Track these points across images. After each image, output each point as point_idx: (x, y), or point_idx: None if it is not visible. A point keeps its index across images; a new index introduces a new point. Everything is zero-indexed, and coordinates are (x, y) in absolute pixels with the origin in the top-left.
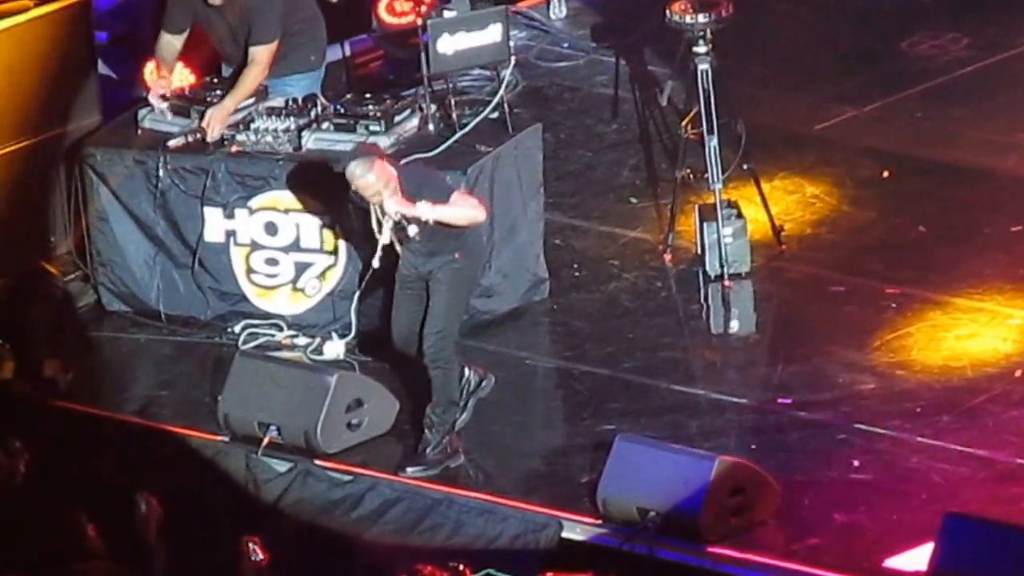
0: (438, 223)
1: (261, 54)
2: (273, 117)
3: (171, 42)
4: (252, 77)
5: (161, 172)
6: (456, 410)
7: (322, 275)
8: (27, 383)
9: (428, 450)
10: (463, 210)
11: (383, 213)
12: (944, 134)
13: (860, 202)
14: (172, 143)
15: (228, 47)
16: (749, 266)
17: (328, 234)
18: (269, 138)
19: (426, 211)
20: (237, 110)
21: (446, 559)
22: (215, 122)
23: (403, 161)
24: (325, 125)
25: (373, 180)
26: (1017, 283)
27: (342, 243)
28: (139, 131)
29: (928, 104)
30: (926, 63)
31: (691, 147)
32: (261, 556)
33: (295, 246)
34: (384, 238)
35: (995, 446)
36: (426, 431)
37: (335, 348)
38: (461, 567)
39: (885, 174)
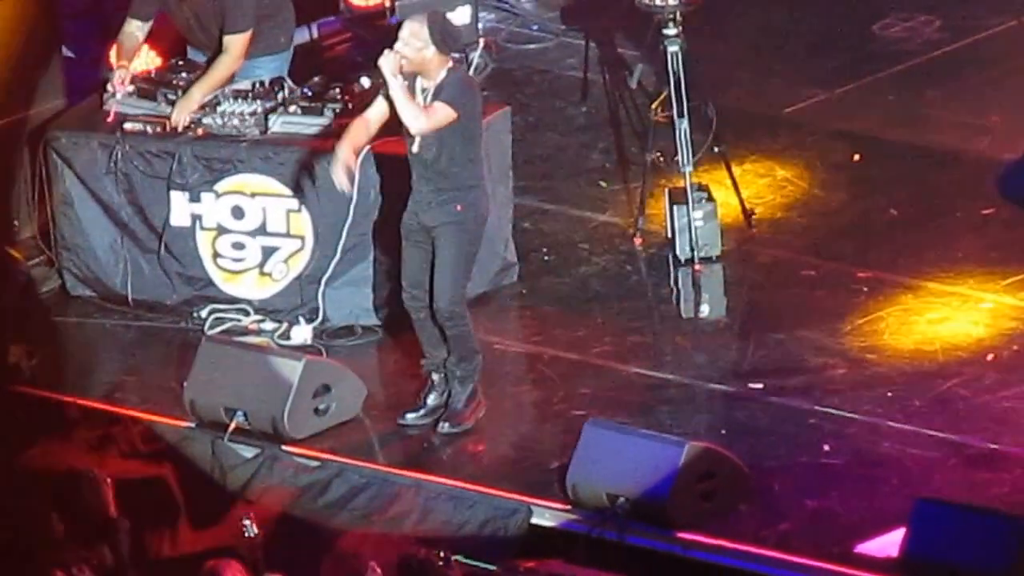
0: (445, 155)
1: (236, 43)
2: (240, 100)
3: (135, 32)
4: (225, 66)
5: (120, 155)
6: (478, 360)
7: (289, 259)
8: None
9: (460, 404)
10: (408, 107)
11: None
12: (916, 117)
13: (831, 185)
14: (128, 126)
15: (194, 35)
16: (719, 250)
17: (295, 218)
18: (236, 121)
19: (404, 97)
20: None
21: (415, 545)
22: (181, 112)
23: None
24: (292, 108)
25: (419, 36)
26: (989, 267)
27: (309, 227)
28: (104, 114)
29: (900, 87)
30: (897, 45)
31: (661, 130)
32: (256, 531)
33: (262, 230)
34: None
35: (966, 431)
36: (454, 384)
37: (302, 333)
38: (450, 557)
39: (856, 157)
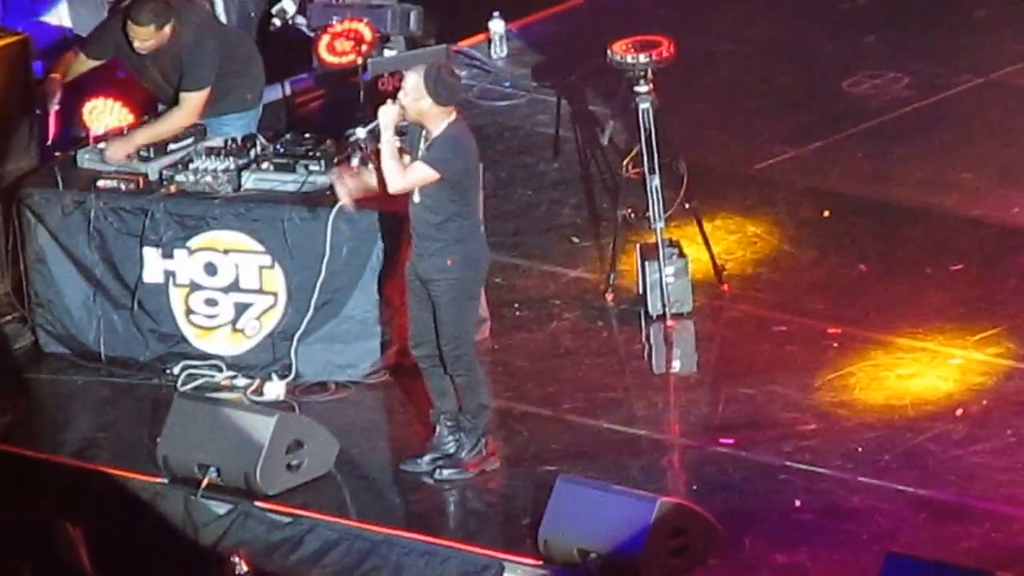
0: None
1: (190, 100)
2: (212, 157)
3: (81, 62)
4: (174, 119)
5: (93, 212)
6: (487, 413)
7: (262, 316)
8: None
9: (463, 452)
10: (390, 166)
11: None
12: (885, 173)
13: (801, 241)
14: (101, 183)
15: (163, 92)
16: (691, 306)
17: (268, 275)
18: (208, 178)
19: (391, 154)
20: (175, 150)
21: None
22: (117, 152)
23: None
24: (265, 165)
25: (414, 87)
26: (958, 322)
27: (282, 283)
28: (77, 171)
29: (869, 144)
30: (866, 103)
31: (632, 186)
32: (246, 569)
33: (234, 287)
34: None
35: (936, 486)
36: (461, 435)
37: (275, 389)
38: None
39: (826, 213)
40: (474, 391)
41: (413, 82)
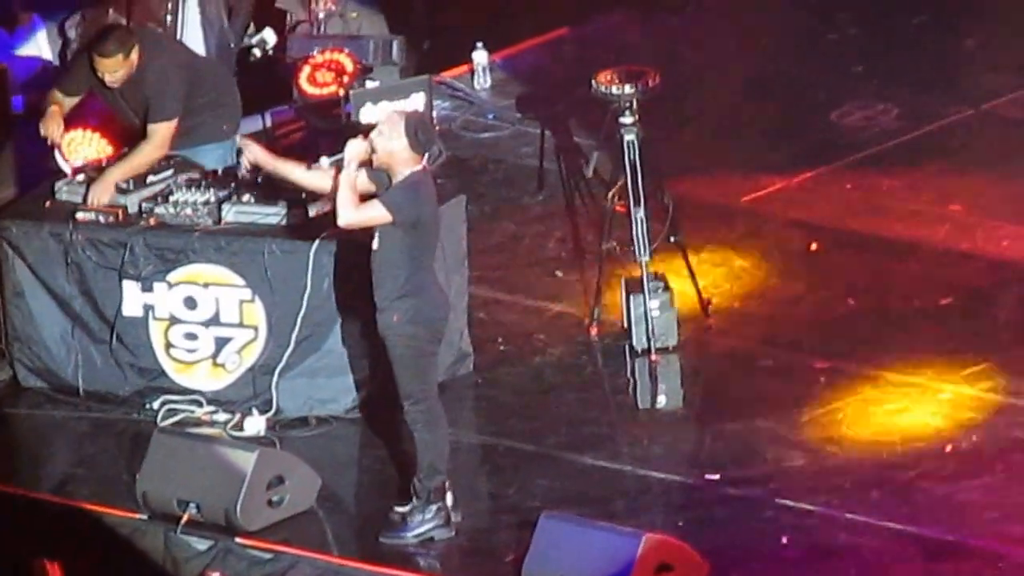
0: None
1: (158, 131)
2: (192, 189)
3: (62, 101)
4: (144, 153)
5: (72, 245)
6: (440, 477)
7: (242, 350)
8: None
9: (408, 517)
10: (345, 200)
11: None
12: (874, 206)
13: (788, 275)
14: (79, 215)
15: (136, 125)
16: (676, 340)
17: (248, 308)
18: (188, 210)
19: (348, 186)
20: (154, 182)
21: None
22: (101, 195)
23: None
24: (246, 197)
25: (394, 129)
26: (948, 357)
27: (262, 318)
28: (55, 204)
29: (858, 175)
30: (856, 134)
31: (617, 219)
32: None
33: (215, 320)
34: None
35: (926, 523)
36: (412, 497)
37: (256, 424)
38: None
39: (813, 246)
40: (428, 451)
41: (392, 120)
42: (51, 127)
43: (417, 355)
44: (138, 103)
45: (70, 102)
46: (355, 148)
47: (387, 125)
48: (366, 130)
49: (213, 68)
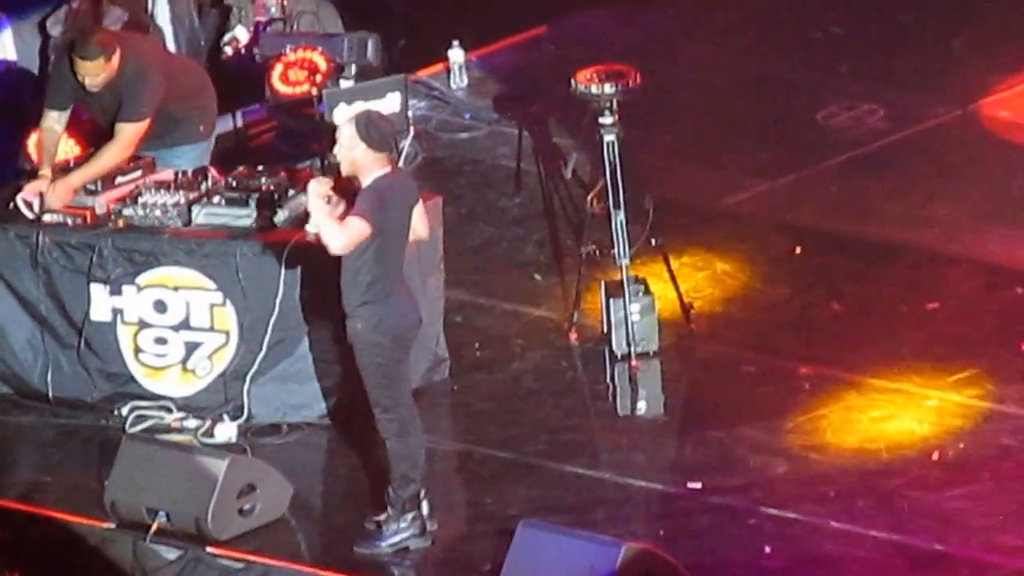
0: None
1: (126, 132)
2: (162, 191)
3: (53, 126)
4: (110, 154)
5: (39, 248)
6: (414, 487)
7: (213, 355)
8: None
9: (383, 527)
10: (327, 228)
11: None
12: (859, 208)
13: (772, 279)
14: (46, 218)
15: (107, 124)
16: (657, 345)
17: (219, 312)
18: (158, 212)
19: (318, 205)
20: (123, 183)
21: None
22: (57, 196)
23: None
24: (216, 199)
25: (347, 136)
26: (934, 363)
27: (233, 322)
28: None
29: (843, 177)
30: (841, 135)
31: (597, 222)
32: None
33: (185, 324)
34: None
35: (911, 531)
36: (387, 507)
37: (226, 431)
38: None
39: (798, 250)
40: (400, 461)
41: (346, 132)
42: (34, 185)
43: (383, 364)
44: (111, 103)
45: (63, 120)
46: (318, 188)
47: (340, 135)
48: (337, 148)
49: (190, 68)
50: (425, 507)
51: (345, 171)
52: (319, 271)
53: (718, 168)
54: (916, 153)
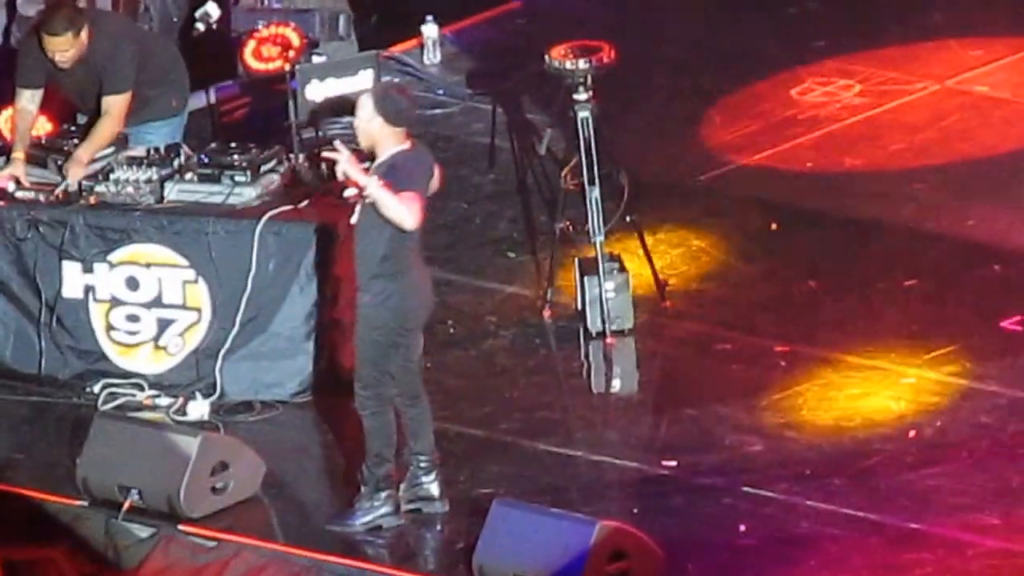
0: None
1: (115, 104)
2: (134, 167)
3: (27, 105)
4: (106, 128)
5: (10, 224)
6: (388, 465)
7: (185, 332)
8: None
9: (357, 504)
10: (397, 205)
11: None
12: (836, 184)
13: (748, 256)
14: (18, 194)
15: (84, 102)
16: (632, 322)
17: (192, 290)
18: (130, 189)
19: (370, 184)
20: (96, 160)
21: None
22: (73, 175)
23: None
24: (188, 176)
25: (366, 108)
26: (911, 340)
27: (206, 299)
28: None
29: (819, 153)
30: (816, 111)
31: (571, 198)
32: None
33: (157, 302)
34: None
35: (887, 510)
36: (360, 485)
37: (199, 409)
38: None
39: (774, 226)
40: (375, 439)
41: (361, 102)
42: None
43: (379, 341)
44: (85, 80)
45: (37, 99)
46: (346, 166)
47: (359, 107)
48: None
49: (162, 43)
50: (435, 488)
51: (363, 144)
52: (293, 248)
53: (693, 144)
54: (893, 129)
